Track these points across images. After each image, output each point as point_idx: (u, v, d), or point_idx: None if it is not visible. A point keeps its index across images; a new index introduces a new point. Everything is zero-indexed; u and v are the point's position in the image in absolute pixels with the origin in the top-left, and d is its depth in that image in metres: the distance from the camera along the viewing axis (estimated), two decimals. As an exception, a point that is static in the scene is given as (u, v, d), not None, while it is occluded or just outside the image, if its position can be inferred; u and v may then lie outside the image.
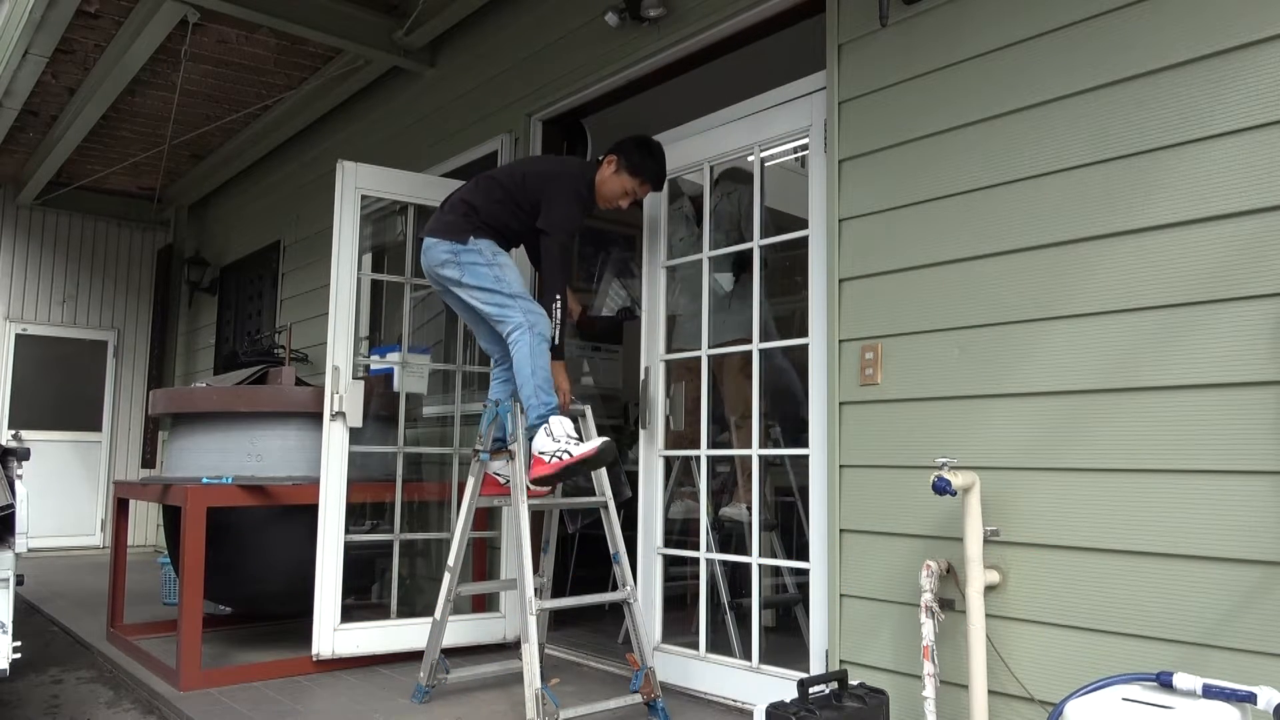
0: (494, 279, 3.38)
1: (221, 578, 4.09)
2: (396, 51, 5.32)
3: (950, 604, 2.69)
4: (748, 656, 3.44)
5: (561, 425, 3.22)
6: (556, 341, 3.38)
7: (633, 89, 4.23)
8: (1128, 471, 2.38)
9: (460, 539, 3.53)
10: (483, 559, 4.50)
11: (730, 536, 4.12)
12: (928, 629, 2.58)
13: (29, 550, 3.14)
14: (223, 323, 8.33)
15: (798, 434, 3.51)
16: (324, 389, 3.93)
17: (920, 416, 2.86)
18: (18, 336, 8.66)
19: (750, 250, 3.56)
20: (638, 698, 3.23)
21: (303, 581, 3.90)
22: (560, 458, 3.15)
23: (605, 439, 3.19)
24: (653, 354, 3.88)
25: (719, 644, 3.68)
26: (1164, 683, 2.01)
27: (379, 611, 4.34)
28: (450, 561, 3.53)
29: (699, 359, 3.77)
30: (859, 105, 3.11)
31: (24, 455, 3.29)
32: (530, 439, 3.27)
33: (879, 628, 2.92)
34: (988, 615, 2.58)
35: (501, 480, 3.61)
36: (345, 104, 6.30)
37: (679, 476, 4.03)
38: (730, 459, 4.24)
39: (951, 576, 2.69)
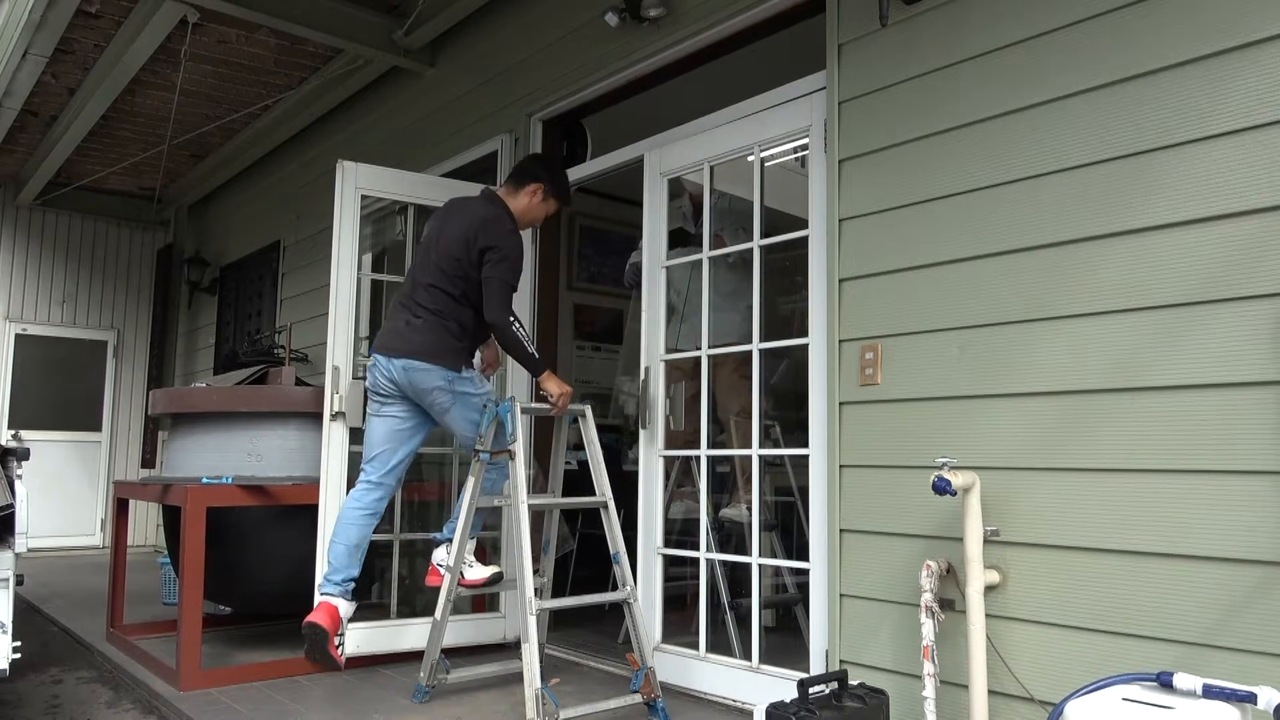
0: (481, 406, 3.51)
1: (221, 578, 4.09)
2: (396, 51, 5.32)
3: (950, 604, 2.69)
4: (748, 656, 3.44)
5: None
6: (537, 355, 3.49)
7: (633, 89, 4.23)
8: (1128, 471, 2.38)
9: (460, 538, 3.53)
10: (483, 559, 4.49)
11: (730, 536, 4.12)
12: (928, 629, 2.58)
13: (29, 550, 3.14)
14: (223, 323, 8.33)
15: (796, 432, 3.52)
16: (324, 389, 3.93)
17: (920, 416, 2.86)
18: (18, 336, 8.66)
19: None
20: (638, 698, 3.23)
21: (303, 581, 3.90)
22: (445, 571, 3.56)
23: (497, 569, 3.63)
24: (653, 354, 3.88)
25: (719, 644, 3.68)
26: (1164, 683, 2.01)
27: (379, 611, 4.33)
28: (450, 561, 3.53)
29: (697, 359, 3.77)
30: (859, 105, 3.11)
31: (24, 455, 3.29)
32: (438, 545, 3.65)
33: (879, 628, 2.92)
34: (988, 615, 2.58)
35: (441, 570, 3.58)
36: (345, 104, 6.30)
37: (679, 477, 4.03)
38: (730, 459, 4.24)
39: (951, 576, 2.69)
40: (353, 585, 3.44)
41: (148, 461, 8.92)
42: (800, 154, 3.54)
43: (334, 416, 3.90)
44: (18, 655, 3.07)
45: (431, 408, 3.47)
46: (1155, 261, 2.37)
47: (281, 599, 4.27)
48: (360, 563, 3.46)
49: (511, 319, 3.41)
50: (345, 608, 3.38)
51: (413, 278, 3.54)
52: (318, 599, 3.43)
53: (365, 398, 3.85)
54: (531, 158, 3.75)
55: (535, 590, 3.23)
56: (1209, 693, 1.93)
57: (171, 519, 4.27)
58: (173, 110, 6.60)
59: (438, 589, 3.55)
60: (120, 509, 4.66)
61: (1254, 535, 2.16)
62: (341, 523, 3.47)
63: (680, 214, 4.14)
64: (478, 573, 3.57)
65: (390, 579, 4.27)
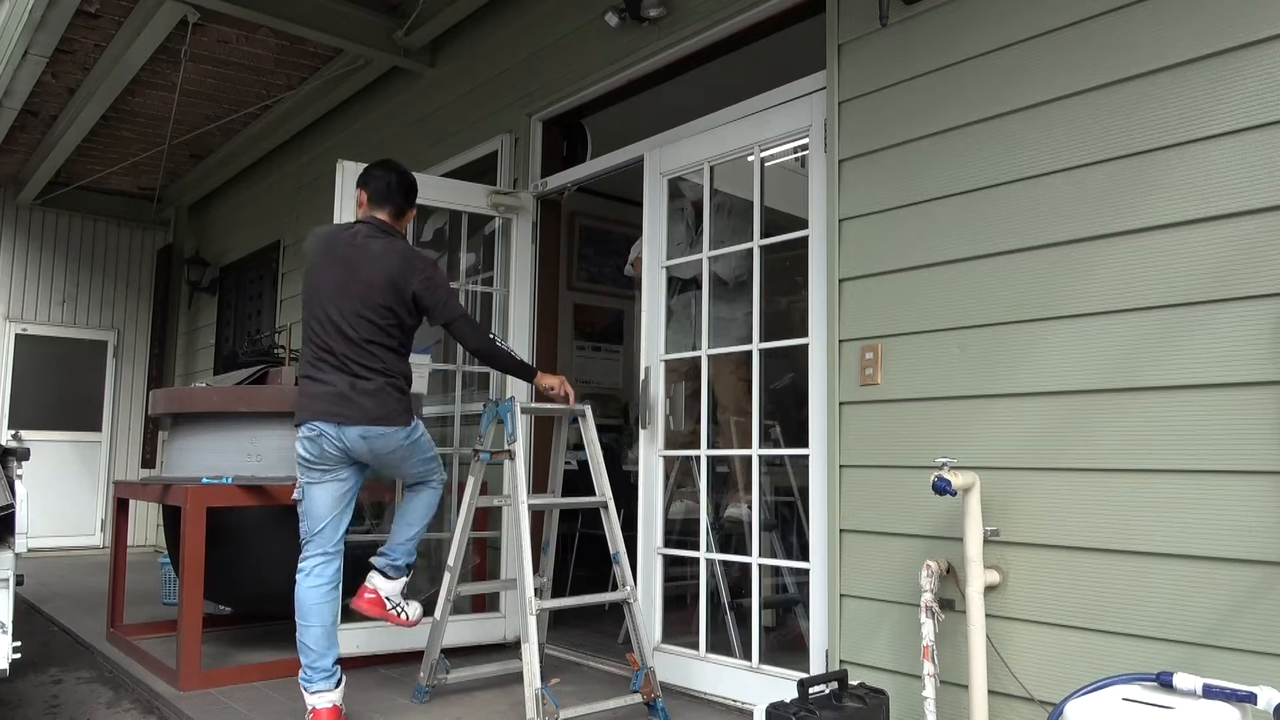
0: (428, 442, 3.40)
1: (221, 578, 4.09)
2: (396, 51, 5.32)
3: (950, 604, 2.69)
4: (748, 656, 3.44)
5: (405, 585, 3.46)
6: (526, 360, 3.76)
7: (633, 89, 4.23)
8: (1128, 471, 2.38)
9: (460, 539, 3.54)
10: (483, 559, 4.50)
11: (730, 536, 4.12)
12: (928, 629, 2.58)
13: (29, 550, 3.13)
14: (223, 323, 8.33)
15: (799, 433, 3.52)
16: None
17: (920, 416, 2.86)
18: (18, 336, 8.66)
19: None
20: (638, 698, 3.23)
21: (303, 581, 3.89)
22: (399, 613, 3.41)
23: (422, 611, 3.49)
24: (653, 354, 3.88)
25: (719, 644, 3.68)
26: (1164, 683, 2.01)
27: (379, 611, 4.33)
28: (450, 561, 3.53)
29: (697, 359, 3.77)
30: (859, 105, 3.11)
31: (24, 455, 3.29)
32: (385, 575, 3.40)
33: (879, 628, 2.92)
34: (988, 615, 2.58)
35: (390, 606, 3.38)
36: (345, 104, 6.30)
37: (679, 477, 4.03)
38: (730, 459, 4.24)
39: (951, 576, 2.69)
40: (339, 665, 3.18)
41: (148, 461, 8.92)
42: (800, 154, 3.54)
43: (334, 416, 3.88)
44: (18, 655, 3.07)
45: (387, 465, 3.30)
46: (1155, 261, 2.37)
47: (282, 599, 4.25)
48: (338, 638, 3.22)
49: (492, 337, 3.37)
50: (341, 697, 3.16)
51: (338, 331, 3.14)
52: (315, 700, 3.08)
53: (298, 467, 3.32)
54: (405, 180, 3.40)
55: (535, 590, 3.23)
56: (1209, 693, 1.93)
57: (171, 519, 4.27)
58: (173, 110, 6.60)
59: (376, 615, 3.38)
60: (120, 509, 4.66)
61: (1254, 535, 2.16)
62: (310, 604, 3.15)
63: (683, 220, 4.13)
64: (414, 611, 3.44)
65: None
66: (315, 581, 3.19)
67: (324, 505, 3.21)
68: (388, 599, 3.38)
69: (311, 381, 3.18)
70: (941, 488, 2.47)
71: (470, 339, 3.32)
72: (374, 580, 3.38)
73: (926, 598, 2.61)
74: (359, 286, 3.16)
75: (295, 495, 3.27)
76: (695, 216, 4.12)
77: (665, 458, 3.85)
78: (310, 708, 3.10)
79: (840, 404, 3.08)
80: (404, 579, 3.43)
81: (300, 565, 3.23)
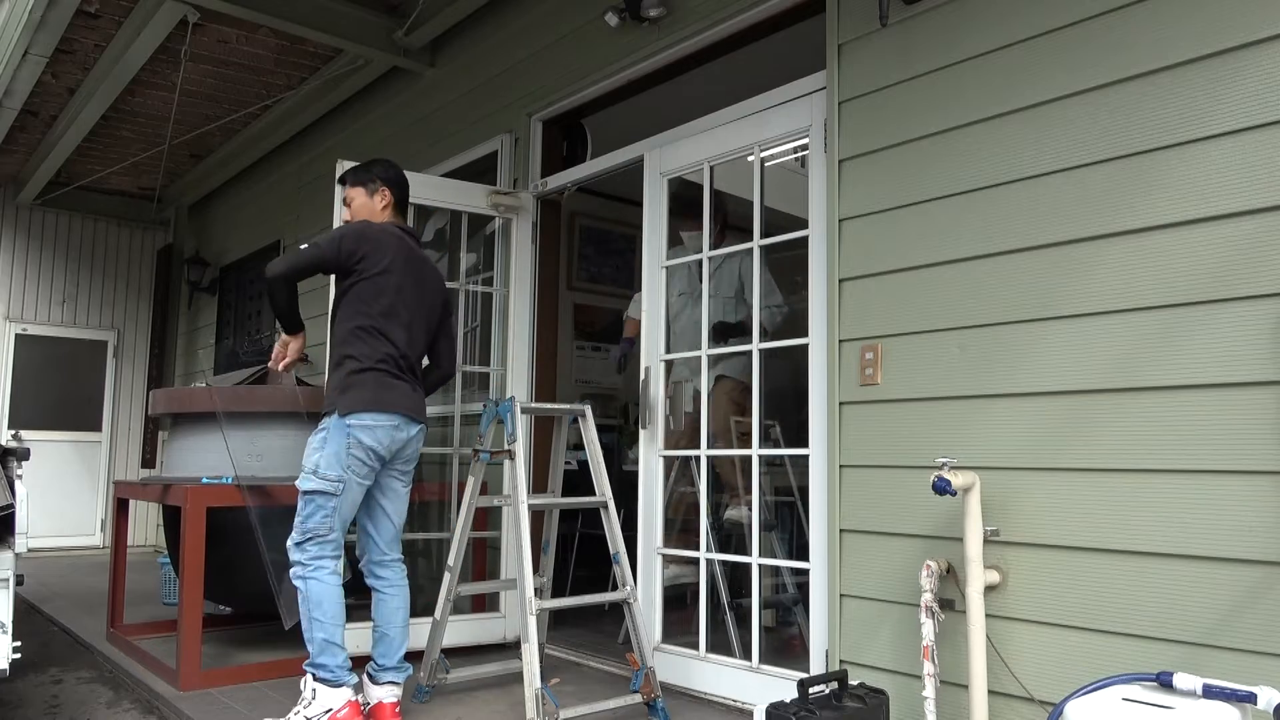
0: None
1: (221, 578, 4.09)
2: (396, 51, 5.32)
3: (950, 604, 2.69)
4: (748, 656, 3.44)
5: None
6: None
7: (633, 89, 4.23)
8: (1128, 471, 2.38)
9: (460, 539, 3.54)
10: (483, 559, 4.50)
11: (730, 536, 4.12)
12: (928, 629, 2.58)
13: (29, 550, 3.14)
14: (223, 323, 8.33)
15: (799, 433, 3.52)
16: (324, 388, 3.92)
17: (920, 416, 2.86)
18: (18, 336, 8.66)
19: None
20: (638, 698, 3.23)
21: (303, 581, 3.89)
22: None
23: None
24: (653, 354, 3.88)
25: (719, 644, 3.68)
26: (1164, 683, 2.01)
27: (379, 611, 4.33)
28: (450, 561, 3.53)
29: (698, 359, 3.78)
30: (859, 105, 3.11)
31: (24, 455, 3.29)
32: (401, 684, 3.27)
33: (879, 628, 2.92)
34: (988, 615, 2.58)
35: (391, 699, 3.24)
36: (345, 104, 6.30)
37: (678, 477, 4.03)
38: (729, 462, 4.23)
39: (951, 576, 2.69)
40: None
41: (148, 461, 8.92)
42: (800, 154, 3.54)
43: (334, 416, 3.88)
44: (18, 655, 3.07)
45: (406, 475, 3.36)
46: (1155, 261, 2.37)
47: (281, 599, 4.26)
48: None
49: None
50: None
51: (412, 340, 3.27)
52: (383, 692, 3.18)
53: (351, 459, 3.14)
54: (404, 180, 3.55)
55: (535, 590, 3.23)
56: (1209, 693, 1.94)
57: (171, 519, 4.27)
58: (173, 110, 6.60)
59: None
60: (120, 509, 4.66)
61: (1254, 535, 2.16)
62: (339, 603, 3.14)
63: (685, 268, 4.12)
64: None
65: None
66: (338, 581, 3.20)
67: (354, 506, 3.24)
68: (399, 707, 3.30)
69: (390, 377, 3.21)
70: (941, 488, 2.47)
71: (452, 363, 3.56)
72: (398, 693, 3.27)
73: (926, 598, 2.61)
74: (427, 302, 3.36)
75: (325, 486, 3.10)
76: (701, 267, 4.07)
77: (665, 458, 3.85)
78: (376, 700, 3.20)
79: (840, 404, 3.08)
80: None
81: (319, 563, 3.12)
